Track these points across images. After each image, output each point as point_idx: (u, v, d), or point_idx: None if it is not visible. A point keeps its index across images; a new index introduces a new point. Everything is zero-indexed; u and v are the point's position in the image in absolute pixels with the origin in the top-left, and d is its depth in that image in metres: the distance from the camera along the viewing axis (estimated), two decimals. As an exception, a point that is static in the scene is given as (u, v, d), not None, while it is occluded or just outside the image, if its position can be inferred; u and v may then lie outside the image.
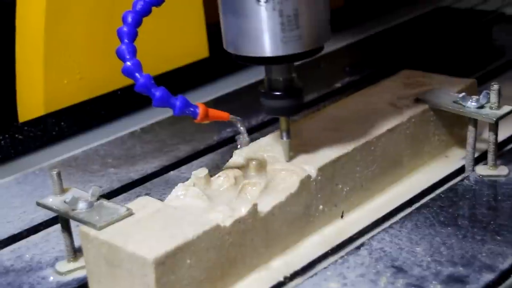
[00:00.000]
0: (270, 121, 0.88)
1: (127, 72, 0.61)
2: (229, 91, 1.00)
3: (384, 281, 0.58)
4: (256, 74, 0.96)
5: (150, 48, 0.98)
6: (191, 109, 0.63)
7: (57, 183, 0.62)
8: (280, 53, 0.61)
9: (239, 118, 0.67)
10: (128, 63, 0.61)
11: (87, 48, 0.93)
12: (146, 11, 0.63)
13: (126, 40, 0.62)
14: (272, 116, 0.82)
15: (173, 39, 1.01)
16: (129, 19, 0.62)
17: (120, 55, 0.62)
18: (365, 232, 0.66)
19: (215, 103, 0.96)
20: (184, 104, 0.62)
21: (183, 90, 1.00)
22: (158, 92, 0.61)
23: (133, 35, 0.62)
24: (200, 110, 0.63)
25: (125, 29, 0.62)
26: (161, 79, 0.98)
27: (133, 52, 0.62)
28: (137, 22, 0.62)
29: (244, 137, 0.70)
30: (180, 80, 1.02)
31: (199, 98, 0.97)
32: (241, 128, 0.69)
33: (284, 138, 0.66)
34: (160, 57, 1.00)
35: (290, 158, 0.66)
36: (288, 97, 0.64)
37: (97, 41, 0.93)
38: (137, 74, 0.61)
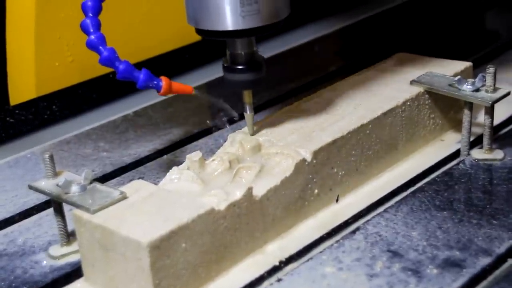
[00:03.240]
0: (264, 104, 0.87)
1: (91, 46, 0.63)
2: (222, 75, 0.99)
3: (380, 266, 0.58)
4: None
5: (143, 30, 0.97)
6: (155, 82, 0.64)
7: (49, 166, 0.62)
8: (239, 27, 0.62)
9: (202, 92, 0.68)
10: (92, 37, 0.62)
11: (78, 30, 0.92)
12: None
13: (90, 14, 0.63)
14: (267, 98, 0.82)
15: (166, 21, 1.00)
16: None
17: (84, 29, 0.63)
18: (361, 216, 0.66)
19: (207, 87, 0.96)
20: (148, 77, 0.64)
21: (175, 73, 0.99)
22: (121, 65, 0.63)
23: (98, 9, 0.63)
24: (164, 83, 0.64)
25: (89, 3, 0.63)
26: (153, 63, 0.98)
27: (97, 25, 0.63)
28: None
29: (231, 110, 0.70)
30: (172, 63, 1.01)
31: (191, 82, 0.96)
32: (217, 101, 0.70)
33: (248, 112, 0.67)
34: (153, 40, 0.99)
35: (254, 132, 0.67)
36: (250, 70, 0.65)
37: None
38: (101, 48, 0.62)
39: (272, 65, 0.88)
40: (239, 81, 0.66)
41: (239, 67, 0.65)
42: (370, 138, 0.70)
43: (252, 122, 0.67)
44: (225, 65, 0.66)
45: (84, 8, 0.63)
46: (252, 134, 0.67)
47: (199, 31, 0.64)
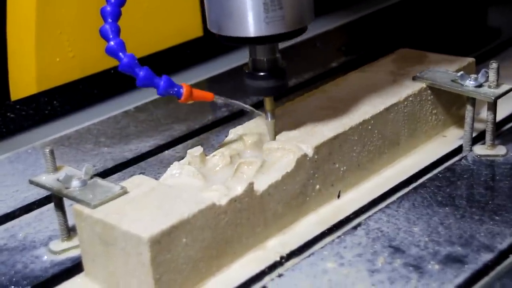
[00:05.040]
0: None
1: (110, 52, 0.61)
2: (223, 71, 0.99)
3: (382, 261, 0.58)
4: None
5: (143, 26, 0.97)
6: (175, 89, 0.63)
7: (50, 160, 0.62)
8: (263, 33, 0.61)
9: (223, 98, 0.66)
10: (112, 43, 0.61)
11: (79, 25, 0.92)
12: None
13: (109, 20, 0.61)
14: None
15: (167, 17, 1.00)
16: (113, -2, 0.61)
17: (103, 35, 0.61)
18: (362, 212, 0.66)
19: (209, 83, 0.95)
20: (168, 84, 0.62)
21: (176, 70, 0.99)
22: (142, 72, 0.61)
23: (117, 15, 0.61)
24: (184, 90, 0.63)
25: (108, 8, 0.61)
26: (154, 58, 0.98)
27: (117, 31, 0.61)
28: (121, 1, 0.61)
29: (253, 112, 0.68)
30: (173, 59, 1.01)
31: (192, 78, 0.96)
32: (238, 104, 0.68)
33: (269, 119, 0.66)
34: (153, 36, 0.98)
35: (275, 138, 0.66)
36: (272, 77, 0.64)
37: (90, 18, 0.92)
38: (120, 54, 0.61)
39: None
40: (261, 87, 0.65)
41: (261, 73, 0.64)
42: (372, 134, 0.69)
43: (273, 129, 0.66)
44: (247, 71, 0.65)
45: (103, 13, 0.61)
46: (274, 139, 0.65)
47: (221, 37, 0.63)
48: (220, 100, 0.65)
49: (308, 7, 0.63)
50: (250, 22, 0.60)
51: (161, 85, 0.62)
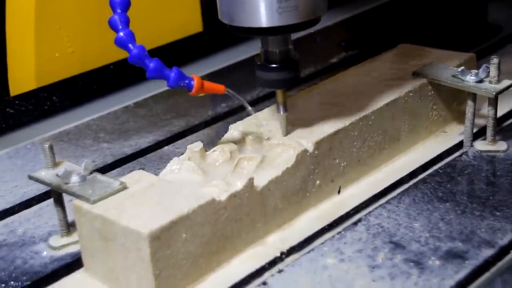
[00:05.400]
0: (265, 95, 0.87)
1: (120, 43, 0.60)
2: (223, 66, 0.99)
3: (382, 257, 0.57)
4: (251, 49, 0.95)
5: (144, 21, 0.96)
6: (186, 81, 0.62)
7: (49, 156, 0.61)
8: (276, 23, 0.60)
9: (231, 91, 0.66)
10: (121, 34, 0.60)
11: (79, 20, 0.92)
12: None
13: (118, 10, 0.60)
14: (267, 90, 0.81)
15: (167, 12, 1.00)
16: (122, -12, 0.60)
17: (112, 26, 0.60)
18: (362, 208, 0.65)
19: (209, 78, 0.95)
20: (179, 76, 0.61)
21: (176, 65, 0.98)
22: (152, 64, 0.60)
23: (126, 5, 0.60)
24: (195, 82, 0.62)
25: None
26: (154, 53, 0.97)
27: (126, 22, 0.60)
28: None
29: (248, 108, 0.68)
30: (174, 54, 1.01)
31: (192, 73, 0.95)
32: (242, 100, 0.67)
33: (281, 112, 0.65)
34: (153, 31, 0.98)
35: (288, 132, 0.65)
36: (285, 69, 0.63)
37: (89, 14, 0.92)
38: (130, 45, 0.60)
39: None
40: (273, 80, 0.63)
41: (273, 65, 0.63)
42: (373, 129, 0.69)
43: (285, 123, 0.65)
44: (259, 63, 0.64)
45: (112, 3, 0.60)
46: (286, 135, 0.65)
47: (233, 28, 0.62)
48: (231, 93, 0.65)
49: None
50: (263, 13, 0.59)
51: (171, 77, 0.61)
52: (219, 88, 0.64)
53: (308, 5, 0.60)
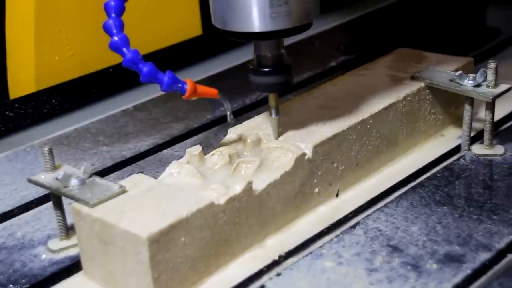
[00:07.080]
0: (264, 99, 0.87)
1: (114, 47, 0.60)
2: (222, 69, 0.99)
3: (380, 260, 0.58)
4: (250, 53, 0.95)
5: (143, 25, 0.97)
6: (179, 85, 0.62)
7: (48, 159, 0.62)
8: (268, 28, 0.60)
9: (224, 97, 0.66)
10: (115, 38, 0.60)
11: (78, 24, 0.92)
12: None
13: (113, 15, 0.60)
14: (265, 95, 0.81)
15: (167, 16, 1.00)
16: (116, -8, 0.61)
17: (107, 30, 0.60)
18: (361, 211, 0.66)
19: (208, 81, 0.95)
20: (172, 80, 0.62)
21: (175, 68, 0.98)
22: (145, 68, 0.61)
23: (121, 9, 0.61)
24: (189, 86, 0.62)
25: (112, 3, 0.61)
26: (153, 57, 0.97)
27: (121, 26, 0.60)
28: None
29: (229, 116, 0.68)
30: (173, 58, 1.01)
31: (191, 77, 0.95)
32: (227, 107, 0.68)
33: (273, 115, 0.65)
34: (152, 35, 0.98)
35: (279, 135, 0.65)
36: (277, 73, 0.64)
37: (88, 17, 0.92)
38: (124, 49, 0.60)
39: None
40: (265, 84, 0.64)
41: (265, 69, 0.63)
42: (371, 133, 0.69)
43: (277, 126, 0.65)
44: (251, 67, 0.64)
45: (106, 8, 0.60)
46: (277, 138, 0.65)
47: (226, 33, 0.62)
48: (223, 98, 0.65)
49: (313, 2, 0.62)
50: (255, 17, 0.60)
51: (165, 81, 0.61)
52: (213, 92, 0.64)
53: (301, 10, 0.61)
